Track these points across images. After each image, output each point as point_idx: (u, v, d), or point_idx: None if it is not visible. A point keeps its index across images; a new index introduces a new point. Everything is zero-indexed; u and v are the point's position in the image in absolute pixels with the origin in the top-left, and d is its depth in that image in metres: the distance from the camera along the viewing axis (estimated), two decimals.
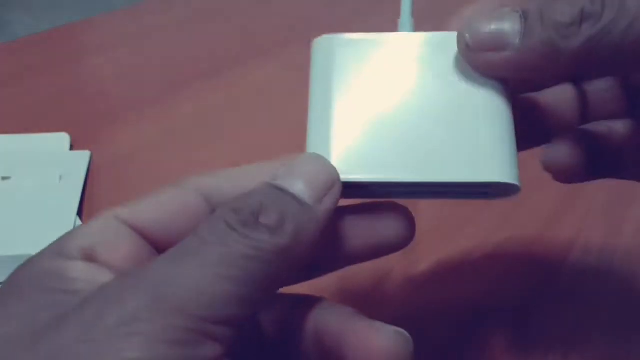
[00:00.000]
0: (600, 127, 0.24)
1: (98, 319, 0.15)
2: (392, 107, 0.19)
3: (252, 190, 0.18)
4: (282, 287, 0.18)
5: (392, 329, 0.18)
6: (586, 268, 0.31)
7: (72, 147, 0.39)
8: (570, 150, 0.23)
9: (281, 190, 0.18)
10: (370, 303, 0.29)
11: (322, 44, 0.22)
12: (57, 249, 0.18)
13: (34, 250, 0.29)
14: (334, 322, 0.19)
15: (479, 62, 0.19)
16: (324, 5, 0.61)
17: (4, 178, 0.35)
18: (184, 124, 0.42)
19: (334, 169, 0.19)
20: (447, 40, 0.20)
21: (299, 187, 0.18)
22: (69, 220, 0.32)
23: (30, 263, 0.18)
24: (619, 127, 0.24)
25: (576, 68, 0.19)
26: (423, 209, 0.33)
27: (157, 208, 0.20)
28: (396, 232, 0.21)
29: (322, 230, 0.18)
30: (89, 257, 0.18)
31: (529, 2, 0.19)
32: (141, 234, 0.19)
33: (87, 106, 0.44)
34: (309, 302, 0.20)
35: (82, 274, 0.17)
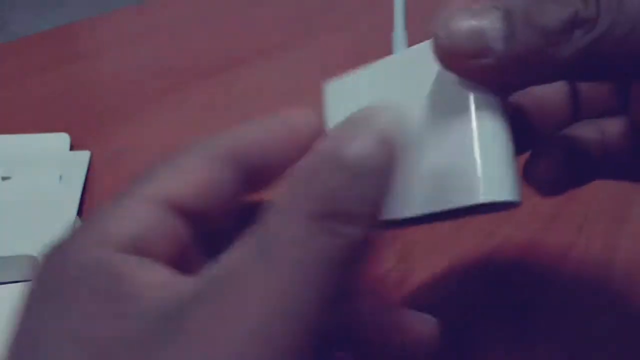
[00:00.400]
0: (584, 129, 0.22)
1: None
2: None
3: (315, 165, 0.15)
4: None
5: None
6: (586, 268, 0.31)
7: (72, 147, 0.39)
8: (549, 163, 0.22)
9: (346, 160, 0.15)
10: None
11: (334, 88, 0.22)
12: (102, 236, 0.16)
13: (34, 250, 0.29)
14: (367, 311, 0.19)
15: (457, 70, 0.17)
16: (323, 5, 0.61)
17: (4, 178, 0.35)
18: (184, 124, 0.42)
19: (395, 144, 0.16)
20: (424, 52, 0.19)
21: (366, 142, 0.15)
22: (69, 220, 0.32)
23: (72, 250, 0.16)
24: (611, 126, 0.22)
25: (567, 76, 0.17)
26: None
27: (191, 184, 0.18)
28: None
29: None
30: (139, 249, 0.16)
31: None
32: (179, 212, 0.17)
33: (87, 106, 0.44)
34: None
35: (139, 272, 0.15)
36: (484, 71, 0.17)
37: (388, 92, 0.19)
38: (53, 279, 0.16)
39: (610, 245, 0.32)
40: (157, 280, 0.15)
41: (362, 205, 0.14)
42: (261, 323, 0.13)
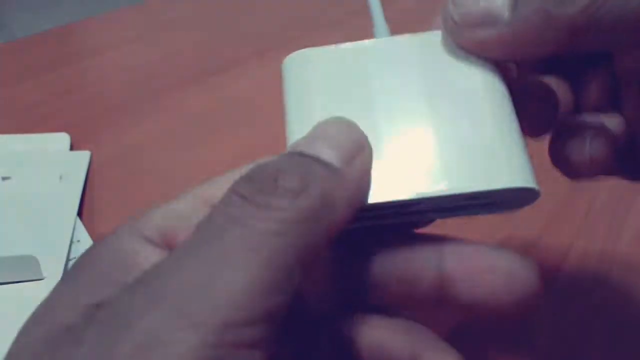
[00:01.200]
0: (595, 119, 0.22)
1: (112, 345, 0.12)
2: (388, 122, 0.17)
3: (267, 159, 0.15)
4: (319, 256, 0.16)
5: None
6: (586, 269, 0.31)
7: (72, 147, 0.39)
8: (582, 144, 0.21)
9: (301, 154, 0.15)
10: None
11: (296, 59, 0.20)
12: (138, 225, 0.16)
13: (34, 251, 0.29)
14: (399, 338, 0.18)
15: (467, 41, 0.18)
16: (322, 5, 0.61)
17: (4, 178, 0.35)
18: (184, 124, 0.42)
19: (361, 130, 0.17)
20: (431, 40, 0.19)
21: (322, 150, 0.15)
22: (69, 220, 0.32)
23: (109, 238, 0.16)
24: (611, 122, 0.22)
25: (573, 40, 0.17)
26: None
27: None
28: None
29: (358, 200, 0.16)
30: (168, 240, 0.16)
31: None
32: None
33: (87, 106, 0.44)
34: (401, 322, 0.18)
35: (152, 260, 0.15)
36: (494, 41, 0.17)
37: (384, 71, 0.18)
38: (76, 264, 0.16)
39: (610, 245, 0.32)
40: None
41: (311, 186, 0.14)
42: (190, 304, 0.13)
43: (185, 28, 0.57)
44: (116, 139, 0.41)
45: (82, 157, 0.38)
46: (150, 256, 0.15)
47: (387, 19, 0.21)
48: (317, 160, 0.15)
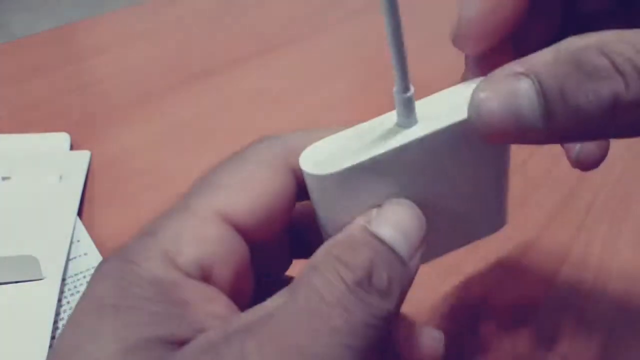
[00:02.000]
0: None
1: None
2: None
3: (354, 237, 0.17)
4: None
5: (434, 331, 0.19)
6: (586, 269, 0.31)
7: (72, 147, 0.39)
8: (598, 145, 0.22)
9: (383, 242, 0.17)
10: None
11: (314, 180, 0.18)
12: (171, 252, 0.16)
13: (34, 251, 0.29)
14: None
15: (500, 142, 0.17)
16: (323, 5, 0.61)
17: (4, 178, 0.35)
18: (184, 124, 0.42)
19: (423, 219, 0.18)
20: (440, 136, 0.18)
21: (397, 238, 0.17)
22: (69, 220, 0.32)
23: (137, 260, 0.16)
24: None
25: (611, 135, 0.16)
26: None
27: (255, 199, 0.18)
28: None
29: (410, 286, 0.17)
30: (205, 273, 0.17)
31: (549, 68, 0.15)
32: (238, 229, 0.18)
33: (87, 106, 0.44)
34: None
35: (197, 297, 0.16)
36: (528, 142, 0.16)
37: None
38: (114, 289, 0.16)
39: (609, 245, 0.32)
40: (219, 313, 0.16)
41: (394, 286, 0.16)
42: None
43: (185, 28, 0.57)
44: (116, 139, 0.41)
45: (82, 157, 0.38)
46: (195, 291, 0.16)
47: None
48: (397, 255, 0.17)
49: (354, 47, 0.53)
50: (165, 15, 0.59)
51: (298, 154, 0.18)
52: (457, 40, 0.19)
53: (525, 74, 0.15)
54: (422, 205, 0.18)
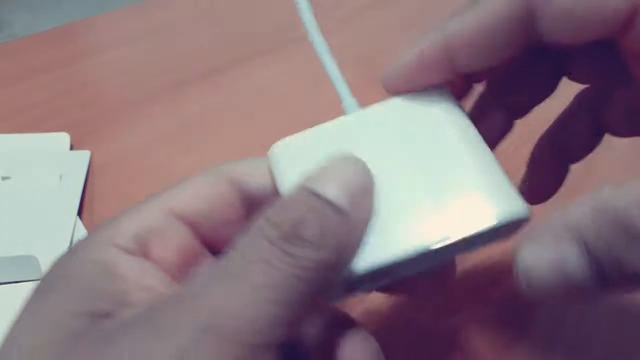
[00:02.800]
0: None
1: (148, 354, 0.14)
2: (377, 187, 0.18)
3: (289, 197, 0.17)
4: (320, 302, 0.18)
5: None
6: None
7: (72, 147, 0.39)
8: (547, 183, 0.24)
9: (318, 196, 0.16)
10: (368, 307, 0.29)
11: (280, 150, 0.20)
12: (109, 234, 0.17)
13: (34, 251, 0.29)
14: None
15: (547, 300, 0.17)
16: (323, 5, 0.61)
17: (4, 178, 0.35)
18: (185, 124, 0.42)
19: (369, 170, 0.18)
20: (396, 106, 0.20)
21: (334, 191, 0.16)
22: (69, 220, 0.32)
23: (81, 248, 0.17)
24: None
25: None
26: None
27: (197, 197, 0.19)
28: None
29: (359, 238, 0.17)
30: (143, 249, 0.17)
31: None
32: (188, 224, 0.19)
33: (87, 106, 0.44)
34: (345, 323, 0.20)
35: (133, 272, 0.17)
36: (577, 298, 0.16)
37: (352, 146, 0.19)
38: (53, 274, 0.17)
39: None
40: (153, 286, 0.17)
41: (328, 236, 0.16)
42: (199, 336, 0.14)
43: (185, 28, 0.57)
44: (116, 139, 0.41)
45: (82, 157, 0.38)
46: (131, 266, 0.17)
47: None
48: (330, 205, 0.16)
49: (354, 47, 0.53)
50: (165, 15, 0.59)
51: (242, 174, 0.20)
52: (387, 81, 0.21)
53: (570, 237, 0.15)
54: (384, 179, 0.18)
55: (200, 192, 0.19)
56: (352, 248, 0.17)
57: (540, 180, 0.24)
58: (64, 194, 0.34)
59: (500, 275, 0.30)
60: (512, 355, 0.27)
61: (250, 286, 0.15)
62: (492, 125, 0.23)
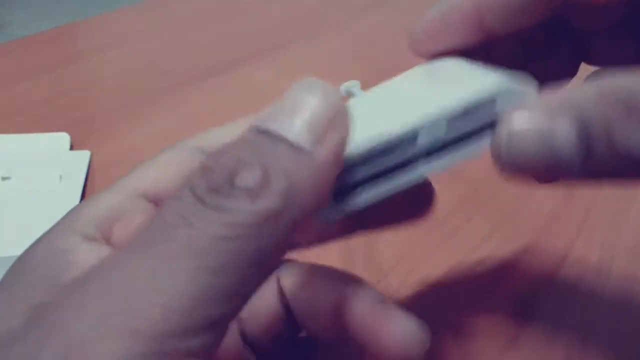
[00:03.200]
0: None
1: (40, 350, 0.12)
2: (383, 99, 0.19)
3: (233, 140, 0.14)
4: (281, 257, 0.15)
5: (413, 320, 0.18)
6: (586, 270, 0.31)
7: (72, 147, 0.39)
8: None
9: (267, 133, 0.14)
10: None
11: None
12: (71, 222, 0.16)
13: None
14: (359, 304, 0.18)
15: (519, 176, 0.15)
16: (324, 4, 0.61)
17: (4, 178, 0.35)
18: (184, 124, 0.42)
19: (338, 95, 0.15)
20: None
21: (291, 126, 0.14)
22: None
23: (45, 237, 0.16)
24: None
25: None
26: None
27: (163, 173, 0.17)
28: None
29: (327, 181, 0.14)
30: (106, 234, 0.16)
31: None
32: (155, 203, 0.17)
33: (87, 106, 0.44)
34: (335, 275, 0.19)
35: (90, 259, 0.14)
36: (553, 180, 0.15)
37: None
38: (17, 265, 0.16)
39: (609, 246, 0.32)
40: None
41: (275, 179, 0.13)
42: (128, 312, 0.12)
43: (185, 28, 0.57)
44: (116, 139, 0.41)
45: (82, 157, 0.38)
46: (89, 253, 0.15)
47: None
48: (284, 141, 0.13)
49: (353, 47, 0.53)
50: (165, 14, 0.59)
51: (210, 144, 0.18)
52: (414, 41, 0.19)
53: (565, 112, 0.14)
54: None
55: (167, 168, 0.17)
56: (318, 191, 0.14)
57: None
58: (64, 194, 0.34)
59: (501, 275, 0.30)
60: (512, 353, 0.27)
61: (164, 257, 0.12)
62: None
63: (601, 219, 0.34)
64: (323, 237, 0.20)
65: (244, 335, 0.20)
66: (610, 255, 0.32)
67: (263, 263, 0.13)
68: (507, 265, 0.31)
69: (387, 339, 0.17)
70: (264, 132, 0.14)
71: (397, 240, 0.32)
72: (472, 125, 0.16)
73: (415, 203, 0.19)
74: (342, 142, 0.14)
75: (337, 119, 0.14)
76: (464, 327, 0.28)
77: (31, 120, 0.42)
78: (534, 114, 0.14)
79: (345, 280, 0.19)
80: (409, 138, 0.15)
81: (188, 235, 0.12)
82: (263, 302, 0.20)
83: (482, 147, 0.16)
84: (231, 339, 0.18)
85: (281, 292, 0.20)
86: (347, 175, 0.15)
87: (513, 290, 0.30)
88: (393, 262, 0.31)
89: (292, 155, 0.13)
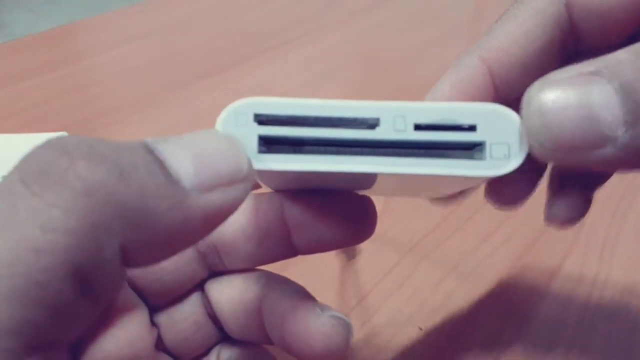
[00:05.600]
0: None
1: None
2: None
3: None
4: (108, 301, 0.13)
5: (330, 313, 0.17)
6: (586, 271, 0.31)
7: None
8: (570, 205, 0.20)
9: (150, 152, 0.13)
10: (366, 306, 0.29)
11: None
12: None
13: None
14: (278, 299, 0.18)
15: (564, 163, 0.14)
16: (325, 4, 0.61)
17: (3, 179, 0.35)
18: (185, 124, 0.42)
19: (248, 160, 0.14)
20: None
21: (182, 160, 0.13)
22: None
23: None
24: None
25: None
26: (419, 213, 0.33)
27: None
28: (350, 228, 0.18)
29: (196, 231, 0.13)
30: None
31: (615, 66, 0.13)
32: None
33: (87, 106, 0.44)
34: (257, 277, 0.19)
35: None
36: (599, 164, 0.13)
37: None
38: None
39: (610, 244, 0.32)
40: None
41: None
42: None
43: (185, 28, 0.57)
44: (116, 139, 0.40)
45: None
46: None
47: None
48: (162, 166, 0.13)
49: (354, 47, 0.53)
50: (165, 15, 0.59)
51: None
52: None
53: (602, 79, 0.12)
54: None
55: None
56: (169, 229, 0.12)
57: (562, 208, 0.21)
58: None
59: (502, 275, 0.30)
60: (513, 354, 0.26)
61: None
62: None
63: (600, 221, 0.34)
64: (256, 259, 0.19)
65: (162, 346, 0.19)
66: (610, 254, 0.31)
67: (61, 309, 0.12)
68: (507, 266, 0.31)
69: (305, 336, 0.17)
70: (147, 149, 0.13)
71: (387, 248, 0.32)
72: (443, 137, 0.15)
73: (354, 221, 0.18)
74: (230, 206, 0.13)
75: (236, 183, 0.13)
76: (458, 336, 0.28)
77: (30, 120, 0.42)
78: (566, 86, 0.13)
79: (266, 281, 0.19)
80: (368, 119, 0.15)
81: None
82: (183, 313, 0.20)
83: (447, 166, 0.15)
84: (140, 348, 0.17)
85: (207, 301, 0.20)
86: (295, 127, 0.15)
87: (512, 292, 0.29)
88: (395, 259, 0.31)
89: (161, 181, 0.12)
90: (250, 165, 0.14)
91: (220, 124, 0.15)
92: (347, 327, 0.17)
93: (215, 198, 0.13)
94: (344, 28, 0.57)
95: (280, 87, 0.46)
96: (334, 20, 0.58)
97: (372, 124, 0.15)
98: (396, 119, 0.15)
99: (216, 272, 0.20)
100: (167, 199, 0.12)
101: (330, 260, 0.30)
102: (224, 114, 0.15)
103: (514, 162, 0.14)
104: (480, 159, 0.15)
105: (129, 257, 0.12)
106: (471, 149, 0.15)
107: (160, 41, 0.54)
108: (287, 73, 0.48)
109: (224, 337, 0.20)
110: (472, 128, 0.15)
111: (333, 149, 0.15)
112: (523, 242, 0.32)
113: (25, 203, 0.11)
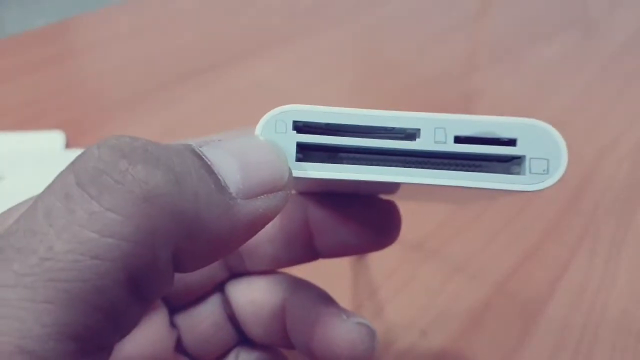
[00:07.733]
0: None
1: None
2: None
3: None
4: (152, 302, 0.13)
5: (356, 320, 0.17)
6: (589, 273, 0.31)
7: (67, 146, 0.38)
8: None
9: (197, 155, 0.13)
10: (367, 306, 0.28)
11: None
12: None
13: None
14: (302, 303, 0.18)
15: None
16: (323, 3, 0.61)
17: None
18: (182, 121, 0.42)
19: (289, 168, 0.14)
20: None
21: (229, 166, 0.13)
22: None
23: None
24: None
25: None
26: (422, 213, 0.32)
27: None
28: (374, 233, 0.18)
29: (240, 239, 0.13)
30: None
31: None
32: None
33: (82, 104, 0.44)
34: (278, 280, 0.19)
35: None
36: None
37: None
38: None
39: (615, 248, 0.32)
40: None
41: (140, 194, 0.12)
42: None
43: (182, 24, 0.56)
44: None
45: None
46: None
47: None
48: (211, 172, 0.12)
49: (354, 45, 0.53)
50: (162, 11, 0.58)
51: None
52: None
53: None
54: None
55: None
56: (218, 235, 0.12)
57: None
58: None
59: (503, 276, 0.30)
60: (518, 356, 0.26)
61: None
62: None
63: (604, 224, 0.34)
64: (278, 262, 0.19)
65: (181, 347, 0.19)
66: (616, 258, 0.31)
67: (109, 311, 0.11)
68: (510, 268, 0.31)
69: (329, 341, 0.17)
70: (195, 153, 0.13)
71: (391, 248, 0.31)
72: (483, 150, 0.15)
73: (379, 227, 0.18)
74: (271, 212, 0.13)
75: (279, 190, 0.13)
76: (466, 335, 0.27)
77: (25, 118, 0.41)
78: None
79: (289, 285, 0.19)
80: (407, 129, 0.15)
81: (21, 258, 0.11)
82: (202, 314, 0.20)
83: (486, 180, 0.15)
84: (161, 350, 0.17)
85: (227, 302, 0.20)
86: (333, 136, 0.15)
87: (516, 294, 0.29)
88: (397, 260, 0.30)
89: (212, 189, 0.12)
90: (290, 173, 0.14)
91: (260, 130, 0.15)
92: (372, 334, 0.17)
93: (259, 205, 0.13)
94: (345, 26, 0.56)
95: (279, 86, 0.46)
96: (333, 17, 0.58)
97: (411, 135, 0.15)
98: (437, 130, 0.15)
99: (236, 274, 0.20)
100: (218, 207, 0.12)
101: (330, 260, 0.30)
102: (263, 121, 0.15)
103: (553, 178, 0.15)
104: (519, 173, 0.15)
105: (178, 263, 0.12)
106: (510, 163, 0.15)
107: (156, 38, 0.53)
108: (286, 70, 0.48)
109: (242, 339, 0.20)
110: (512, 142, 0.15)
111: (371, 158, 0.15)
112: (529, 243, 0.32)
113: (82, 206, 0.11)
